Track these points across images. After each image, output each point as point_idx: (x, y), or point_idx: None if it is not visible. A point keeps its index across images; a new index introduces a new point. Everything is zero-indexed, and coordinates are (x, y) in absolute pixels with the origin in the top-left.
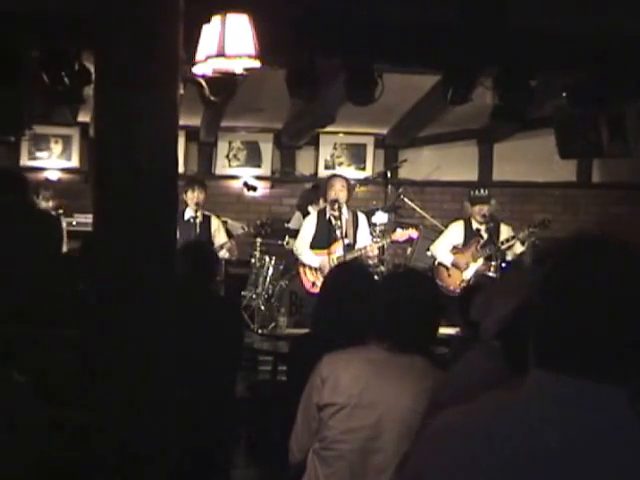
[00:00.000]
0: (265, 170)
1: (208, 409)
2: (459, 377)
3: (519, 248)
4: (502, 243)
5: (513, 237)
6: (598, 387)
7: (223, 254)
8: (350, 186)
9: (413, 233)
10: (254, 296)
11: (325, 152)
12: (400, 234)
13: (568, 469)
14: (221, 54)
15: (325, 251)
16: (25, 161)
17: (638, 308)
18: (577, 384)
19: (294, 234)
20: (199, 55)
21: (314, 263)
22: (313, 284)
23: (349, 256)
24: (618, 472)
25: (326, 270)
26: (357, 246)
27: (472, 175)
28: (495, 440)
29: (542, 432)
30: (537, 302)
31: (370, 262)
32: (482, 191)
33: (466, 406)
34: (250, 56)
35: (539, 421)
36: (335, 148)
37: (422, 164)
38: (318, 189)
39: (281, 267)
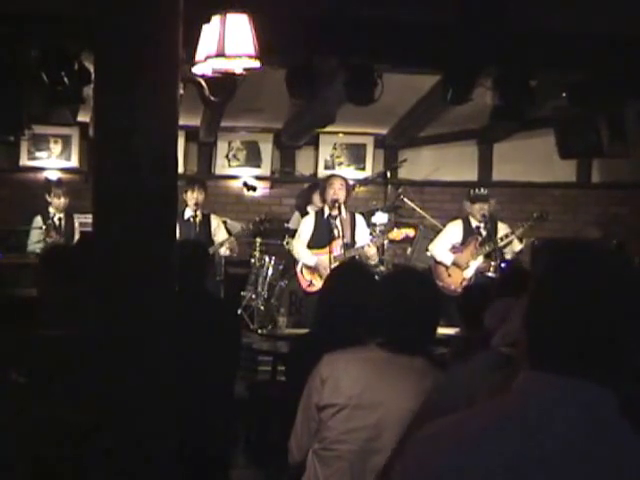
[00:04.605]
0: (265, 170)
1: (207, 409)
2: (459, 385)
3: (517, 246)
4: (501, 239)
5: (512, 233)
6: (590, 387)
7: (224, 252)
8: (348, 186)
9: (410, 232)
10: (254, 296)
11: (325, 152)
12: (397, 234)
13: (561, 469)
14: (221, 54)
15: (324, 250)
16: (25, 161)
17: (628, 311)
18: (570, 384)
19: (294, 234)
20: (199, 55)
21: (311, 262)
22: (310, 283)
23: (347, 255)
24: (609, 471)
25: (322, 269)
26: (355, 246)
27: (472, 175)
28: (489, 444)
29: (537, 433)
30: (531, 305)
31: (370, 262)
32: (482, 190)
33: (459, 414)
34: (250, 56)
35: (534, 422)
36: (335, 148)
37: (422, 164)
38: (315, 189)
39: (281, 267)
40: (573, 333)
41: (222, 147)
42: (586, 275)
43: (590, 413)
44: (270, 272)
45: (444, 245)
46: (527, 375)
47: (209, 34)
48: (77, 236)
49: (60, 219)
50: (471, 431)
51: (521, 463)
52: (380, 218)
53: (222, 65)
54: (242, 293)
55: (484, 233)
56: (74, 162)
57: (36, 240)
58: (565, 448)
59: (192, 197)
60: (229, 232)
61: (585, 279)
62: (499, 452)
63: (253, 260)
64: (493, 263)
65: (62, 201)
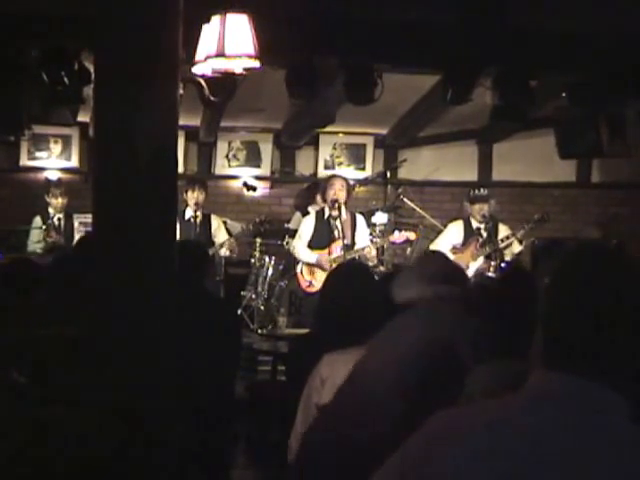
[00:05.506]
0: (265, 170)
1: (207, 409)
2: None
3: (517, 247)
4: (502, 241)
5: (513, 234)
6: (594, 387)
7: (224, 252)
8: (349, 187)
9: (411, 235)
10: (254, 296)
11: (325, 152)
12: (398, 236)
13: (564, 470)
14: (221, 54)
15: (324, 251)
16: (25, 161)
17: (630, 312)
18: (576, 384)
19: (294, 234)
20: (199, 55)
21: (311, 259)
22: (310, 284)
23: (347, 256)
24: (618, 473)
25: (323, 267)
26: (355, 247)
27: (472, 175)
28: (491, 443)
29: (540, 433)
30: (546, 304)
31: (369, 264)
32: (482, 190)
33: (467, 406)
34: (250, 56)
35: (536, 421)
36: (335, 148)
37: (422, 164)
38: (314, 189)
39: (281, 267)
40: (577, 333)
41: (222, 147)
42: (589, 276)
43: (595, 413)
44: (270, 272)
45: (444, 245)
46: (538, 374)
47: (209, 34)
48: (77, 236)
49: (60, 219)
50: (474, 430)
51: (523, 463)
52: (380, 218)
53: (222, 65)
54: (242, 293)
55: (485, 234)
56: (74, 162)
57: (36, 240)
58: (568, 448)
59: (192, 197)
60: (229, 232)
61: (587, 279)
62: (500, 452)
63: (253, 260)
64: (493, 263)
65: (60, 201)
